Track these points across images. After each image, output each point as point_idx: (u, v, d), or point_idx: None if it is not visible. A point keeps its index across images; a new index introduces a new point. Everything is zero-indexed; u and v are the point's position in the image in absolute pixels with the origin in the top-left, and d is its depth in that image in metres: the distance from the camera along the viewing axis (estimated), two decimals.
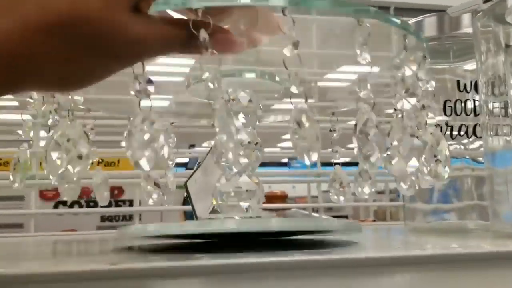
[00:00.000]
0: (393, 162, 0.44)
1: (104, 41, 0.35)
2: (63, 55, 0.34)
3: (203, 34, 0.37)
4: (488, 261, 0.38)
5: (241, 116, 0.45)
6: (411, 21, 0.63)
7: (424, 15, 0.63)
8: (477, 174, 0.61)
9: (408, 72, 0.44)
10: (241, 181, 0.45)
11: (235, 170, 0.44)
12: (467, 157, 0.61)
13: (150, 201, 0.49)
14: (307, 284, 0.34)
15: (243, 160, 0.44)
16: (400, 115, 0.44)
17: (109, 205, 1.03)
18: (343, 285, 0.35)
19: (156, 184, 0.55)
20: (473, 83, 0.60)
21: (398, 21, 0.43)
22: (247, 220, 0.43)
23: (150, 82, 0.40)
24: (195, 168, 0.63)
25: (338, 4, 0.40)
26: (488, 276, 0.38)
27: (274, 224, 0.43)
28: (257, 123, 0.47)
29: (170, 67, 0.80)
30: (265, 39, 0.45)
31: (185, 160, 1.22)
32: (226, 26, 0.42)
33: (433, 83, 0.45)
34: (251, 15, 0.44)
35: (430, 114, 0.45)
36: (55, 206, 1.05)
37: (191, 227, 0.44)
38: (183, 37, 0.37)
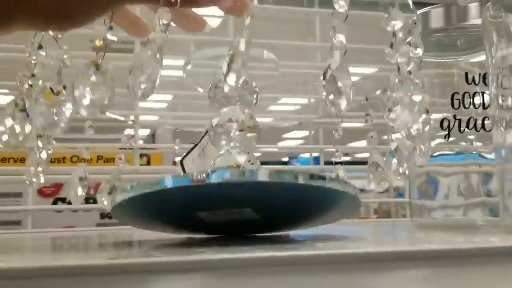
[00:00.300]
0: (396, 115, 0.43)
1: None
2: None
3: None
4: (497, 256, 0.37)
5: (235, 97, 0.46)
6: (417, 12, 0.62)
7: (431, 6, 0.61)
8: (484, 170, 0.59)
9: (398, 25, 0.43)
10: (238, 158, 0.43)
11: (231, 148, 0.44)
12: (474, 152, 0.60)
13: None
14: (312, 278, 0.32)
15: (240, 138, 0.43)
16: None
17: None
18: (348, 280, 0.33)
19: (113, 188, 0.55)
20: (481, 76, 0.58)
21: None
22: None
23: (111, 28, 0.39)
24: (191, 148, 0.61)
25: None
26: (496, 271, 0.37)
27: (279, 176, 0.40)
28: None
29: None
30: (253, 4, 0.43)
31: None
32: None
33: (421, 50, 0.44)
34: None
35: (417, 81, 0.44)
36: (54, 203, 1.04)
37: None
38: None
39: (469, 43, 0.60)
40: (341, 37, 0.42)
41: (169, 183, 0.38)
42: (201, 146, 0.59)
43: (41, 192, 1.01)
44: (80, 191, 0.53)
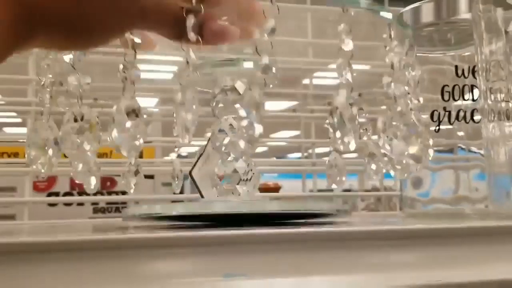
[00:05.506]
0: (393, 143, 0.45)
1: None
2: (84, 1, 0.35)
3: (190, 19, 0.39)
4: (481, 236, 0.39)
5: (238, 104, 0.47)
6: (408, 7, 0.63)
7: (421, 1, 0.62)
8: (473, 164, 0.61)
9: (395, 59, 0.47)
10: (237, 166, 0.47)
11: (232, 155, 0.47)
12: (463, 147, 0.61)
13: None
14: (305, 255, 0.34)
15: (240, 146, 0.47)
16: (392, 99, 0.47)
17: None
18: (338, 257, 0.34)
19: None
20: (470, 69, 0.60)
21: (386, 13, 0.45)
22: (244, 203, 0.43)
23: (137, 69, 0.42)
24: (196, 158, 0.64)
25: None
26: (480, 250, 0.38)
27: (268, 206, 0.43)
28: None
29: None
30: (257, 31, 0.45)
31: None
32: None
33: (419, 71, 0.48)
34: (239, 3, 0.45)
35: (414, 101, 0.48)
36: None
37: (197, 208, 0.45)
38: (180, 17, 0.38)
39: (459, 38, 0.62)
40: (348, 76, 0.45)
41: None
42: (206, 153, 0.61)
43: (36, 187, 1.02)
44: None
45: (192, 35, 0.39)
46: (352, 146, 0.46)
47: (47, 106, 0.49)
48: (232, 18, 0.44)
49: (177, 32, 0.39)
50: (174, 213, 0.43)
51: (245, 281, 0.31)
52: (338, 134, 0.45)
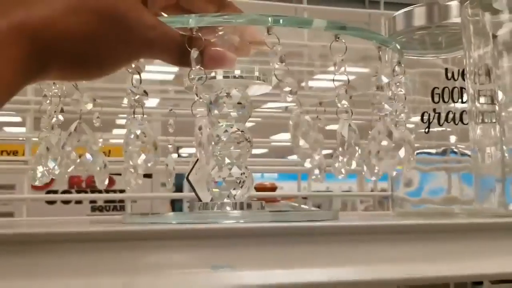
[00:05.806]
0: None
1: (129, 22, 0.38)
2: (95, 35, 0.36)
3: (194, 52, 0.40)
4: (468, 232, 0.40)
5: (233, 111, 0.50)
6: (401, 11, 0.65)
7: (414, 5, 0.64)
8: (463, 165, 0.62)
9: (385, 80, 0.47)
10: (232, 171, 0.49)
11: (227, 160, 0.49)
12: (454, 149, 0.62)
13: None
14: (290, 249, 0.35)
15: (235, 152, 0.49)
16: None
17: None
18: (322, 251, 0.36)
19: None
20: (460, 72, 0.61)
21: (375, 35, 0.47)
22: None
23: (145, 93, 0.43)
24: (193, 163, 0.65)
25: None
26: (467, 244, 0.39)
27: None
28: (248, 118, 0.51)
29: None
30: (253, 50, 0.49)
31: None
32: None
33: (403, 89, 0.49)
34: (240, 30, 0.48)
35: (401, 115, 0.49)
36: None
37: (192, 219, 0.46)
38: (182, 45, 0.41)
39: (450, 41, 0.63)
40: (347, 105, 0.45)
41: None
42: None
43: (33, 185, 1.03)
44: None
45: (195, 66, 0.41)
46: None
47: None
48: (228, 43, 0.47)
49: (179, 59, 0.41)
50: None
51: (232, 272, 0.32)
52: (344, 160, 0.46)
